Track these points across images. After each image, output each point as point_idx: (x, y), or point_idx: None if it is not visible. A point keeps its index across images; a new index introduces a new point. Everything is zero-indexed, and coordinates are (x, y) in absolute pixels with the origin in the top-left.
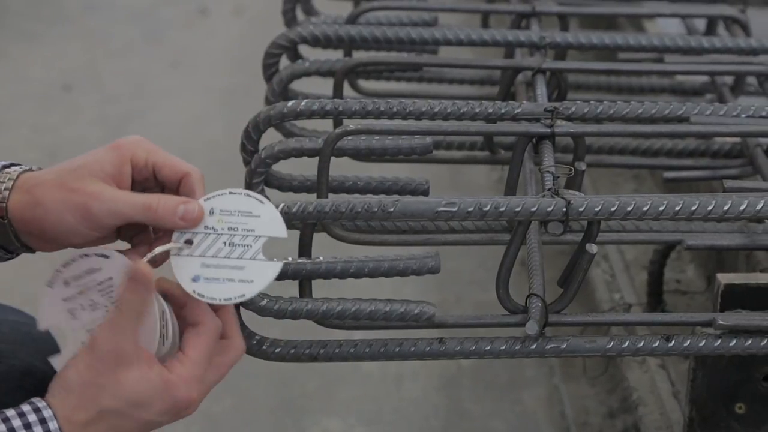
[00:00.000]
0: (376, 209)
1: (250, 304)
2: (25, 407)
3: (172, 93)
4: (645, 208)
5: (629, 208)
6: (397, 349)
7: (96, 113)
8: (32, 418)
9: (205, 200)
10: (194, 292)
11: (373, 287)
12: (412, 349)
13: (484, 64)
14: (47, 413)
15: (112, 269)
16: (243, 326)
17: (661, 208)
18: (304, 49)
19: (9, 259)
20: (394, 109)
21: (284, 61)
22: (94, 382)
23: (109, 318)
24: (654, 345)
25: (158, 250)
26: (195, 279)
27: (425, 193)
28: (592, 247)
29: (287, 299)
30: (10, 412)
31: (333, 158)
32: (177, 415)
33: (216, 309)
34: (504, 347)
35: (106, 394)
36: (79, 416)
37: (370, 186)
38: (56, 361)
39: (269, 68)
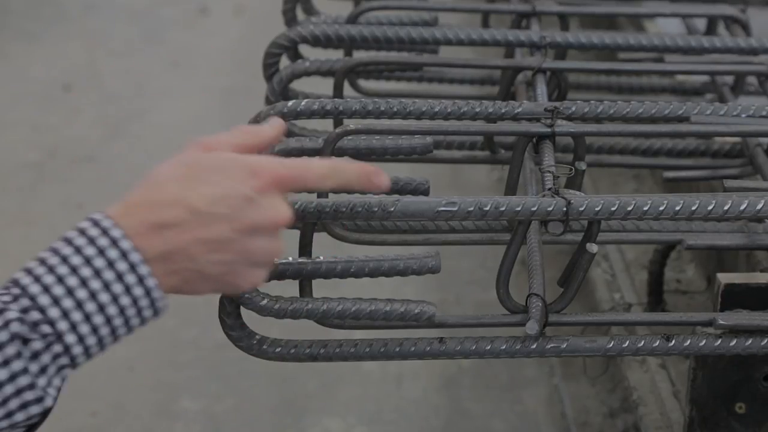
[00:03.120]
0: (376, 209)
1: (250, 304)
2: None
3: (172, 93)
4: (645, 208)
5: (629, 208)
6: (398, 349)
7: (96, 113)
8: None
9: None
10: None
11: (373, 287)
12: (413, 348)
13: (484, 63)
14: (107, 223)
15: None
16: (243, 326)
17: (661, 208)
18: (304, 49)
19: None
20: (395, 109)
21: (284, 61)
22: (175, 163)
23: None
24: (654, 345)
25: None
26: None
27: (425, 192)
28: (593, 247)
29: (287, 299)
30: (80, 240)
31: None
32: (259, 187)
33: None
34: (504, 347)
35: (185, 166)
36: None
37: None
38: None
39: (269, 68)
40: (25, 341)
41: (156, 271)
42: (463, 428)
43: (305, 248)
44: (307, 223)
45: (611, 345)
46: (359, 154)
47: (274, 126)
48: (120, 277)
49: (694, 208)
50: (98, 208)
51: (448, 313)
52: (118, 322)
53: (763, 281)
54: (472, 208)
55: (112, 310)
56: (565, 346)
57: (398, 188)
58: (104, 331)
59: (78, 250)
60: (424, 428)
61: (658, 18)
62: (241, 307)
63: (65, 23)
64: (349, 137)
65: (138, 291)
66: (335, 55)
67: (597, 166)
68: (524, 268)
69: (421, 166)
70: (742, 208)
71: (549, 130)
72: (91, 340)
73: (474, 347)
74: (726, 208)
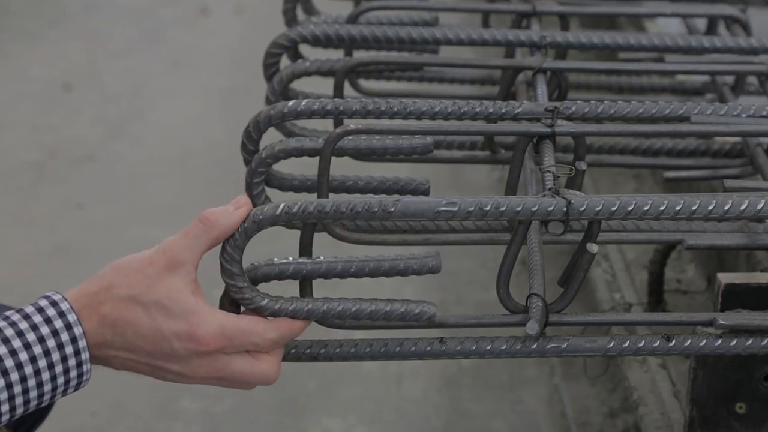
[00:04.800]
0: (376, 209)
1: (250, 304)
2: (42, 301)
3: (173, 93)
4: (645, 208)
5: (630, 208)
6: (398, 349)
7: (96, 113)
8: (44, 303)
9: None
10: None
11: (373, 287)
12: (413, 348)
13: (484, 63)
14: (57, 297)
15: None
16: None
17: (661, 208)
18: (304, 49)
19: None
20: (395, 109)
21: (285, 61)
22: (141, 270)
23: (189, 229)
24: (655, 345)
25: None
26: None
27: (426, 192)
28: (593, 247)
29: (288, 299)
30: (29, 309)
31: (333, 158)
32: (188, 347)
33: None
34: (505, 347)
35: (145, 284)
36: (92, 286)
37: (371, 186)
38: None
39: (270, 68)
40: None
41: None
42: (463, 428)
43: (305, 248)
44: (308, 223)
45: (612, 345)
46: (360, 154)
47: (240, 209)
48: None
49: (694, 208)
50: (98, 208)
51: (449, 313)
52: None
53: (763, 281)
54: (472, 208)
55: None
56: (565, 346)
57: (398, 188)
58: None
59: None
60: (425, 428)
61: (658, 18)
62: (242, 308)
63: (65, 23)
64: (350, 137)
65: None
66: (335, 55)
67: (597, 166)
68: (524, 268)
69: (421, 166)
70: (742, 208)
71: (549, 130)
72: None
73: (474, 347)
74: (726, 208)
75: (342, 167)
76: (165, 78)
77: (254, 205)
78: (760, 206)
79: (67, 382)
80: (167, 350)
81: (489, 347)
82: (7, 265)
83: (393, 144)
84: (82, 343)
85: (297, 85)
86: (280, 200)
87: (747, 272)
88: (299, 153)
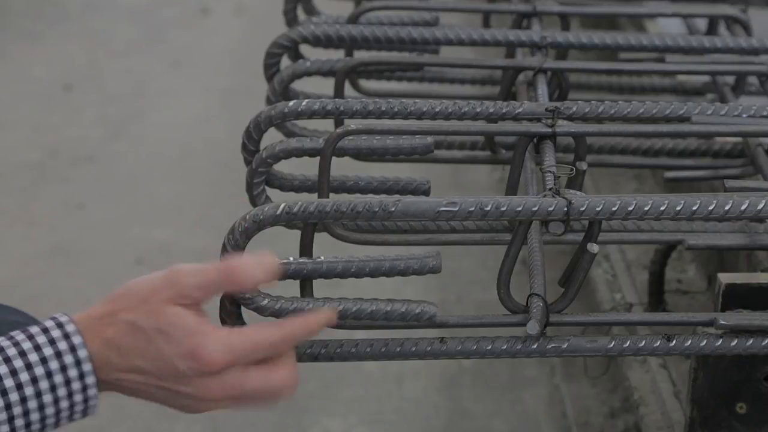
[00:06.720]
0: (377, 209)
1: (251, 304)
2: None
3: (173, 93)
4: (646, 208)
5: (630, 208)
6: (398, 349)
7: (97, 113)
8: (50, 323)
9: None
10: None
11: (374, 287)
12: (413, 348)
13: (485, 63)
14: (63, 318)
15: None
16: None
17: (662, 208)
18: (305, 49)
19: None
20: (395, 109)
21: (285, 61)
22: (146, 299)
23: (207, 271)
24: (655, 345)
25: None
26: None
27: (426, 193)
28: (594, 247)
29: (288, 299)
30: (34, 329)
31: (334, 158)
32: (193, 367)
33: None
34: (505, 347)
35: (145, 311)
36: (98, 310)
37: (371, 186)
38: None
39: (270, 68)
40: None
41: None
42: (463, 428)
43: (306, 248)
44: (308, 223)
45: (612, 345)
46: (360, 154)
47: (265, 268)
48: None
49: (695, 208)
50: (98, 208)
51: (449, 313)
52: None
53: (764, 281)
54: (473, 208)
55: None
56: (566, 346)
57: (399, 188)
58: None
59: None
60: (425, 428)
61: (658, 18)
62: (242, 307)
63: (66, 23)
64: (350, 137)
65: (78, 398)
66: (336, 55)
67: (598, 166)
68: (525, 268)
69: (421, 166)
70: (743, 208)
71: (550, 130)
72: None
73: (475, 347)
74: (727, 208)
75: (342, 167)
76: (165, 78)
77: (255, 206)
78: (760, 206)
79: (71, 406)
80: (174, 372)
81: (489, 347)
82: (7, 265)
83: (393, 144)
84: (86, 367)
85: (297, 85)
86: (280, 200)
87: (747, 272)
88: (300, 153)
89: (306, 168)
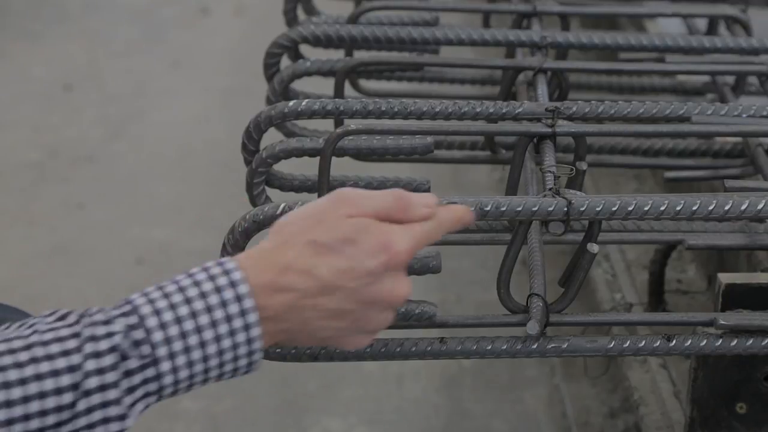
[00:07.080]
0: None
1: None
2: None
3: (173, 93)
4: (646, 208)
5: (630, 208)
6: (398, 349)
7: (97, 113)
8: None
9: None
10: None
11: None
12: (414, 348)
13: (485, 63)
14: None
15: None
16: None
17: (662, 208)
18: (305, 49)
19: None
20: (395, 109)
21: (285, 61)
22: (315, 217)
23: (375, 193)
24: (655, 345)
25: None
26: None
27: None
28: (593, 247)
29: None
30: (201, 275)
31: (334, 158)
32: (383, 261)
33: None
34: (505, 347)
35: (321, 228)
36: (284, 254)
37: (371, 186)
38: None
39: (270, 68)
40: (124, 356)
41: (266, 328)
42: (463, 428)
43: None
44: None
45: (612, 345)
46: (360, 154)
47: (429, 205)
48: (229, 318)
49: (695, 208)
50: (98, 208)
51: (449, 313)
52: (213, 363)
53: (763, 281)
54: (473, 208)
55: (211, 349)
56: (566, 346)
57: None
58: (198, 368)
59: (196, 284)
60: (425, 428)
61: (659, 18)
62: None
63: (66, 23)
64: (350, 137)
65: (241, 337)
66: (336, 55)
67: (598, 166)
68: (525, 268)
69: (421, 166)
70: (743, 208)
71: (550, 130)
72: (183, 374)
73: (475, 347)
74: (727, 208)
75: (342, 167)
76: (165, 78)
77: (255, 205)
78: (760, 206)
79: (235, 359)
80: (365, 275)
81: (489, 347)
82: (7, 265)
83: (393, 144)
84: (253, 317)
85: (297, 85)
86: (280, 200)
87: (747, 272)
88: (300, 153)
89: (306, 168)
